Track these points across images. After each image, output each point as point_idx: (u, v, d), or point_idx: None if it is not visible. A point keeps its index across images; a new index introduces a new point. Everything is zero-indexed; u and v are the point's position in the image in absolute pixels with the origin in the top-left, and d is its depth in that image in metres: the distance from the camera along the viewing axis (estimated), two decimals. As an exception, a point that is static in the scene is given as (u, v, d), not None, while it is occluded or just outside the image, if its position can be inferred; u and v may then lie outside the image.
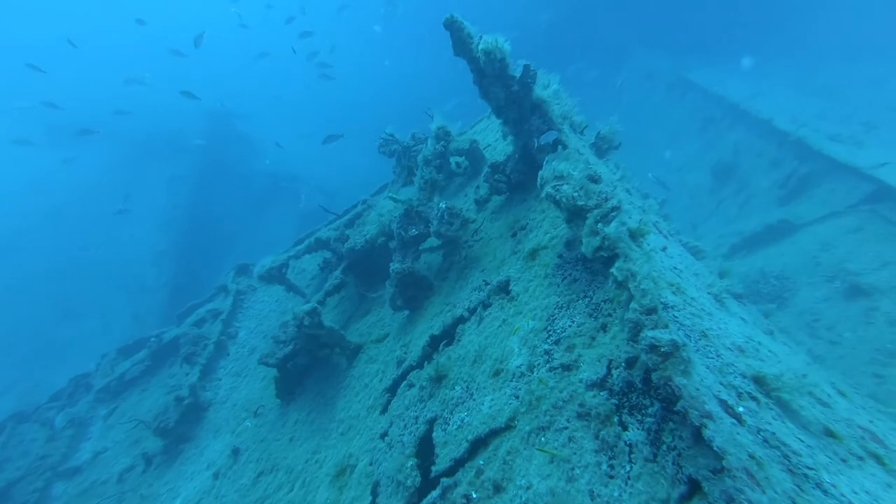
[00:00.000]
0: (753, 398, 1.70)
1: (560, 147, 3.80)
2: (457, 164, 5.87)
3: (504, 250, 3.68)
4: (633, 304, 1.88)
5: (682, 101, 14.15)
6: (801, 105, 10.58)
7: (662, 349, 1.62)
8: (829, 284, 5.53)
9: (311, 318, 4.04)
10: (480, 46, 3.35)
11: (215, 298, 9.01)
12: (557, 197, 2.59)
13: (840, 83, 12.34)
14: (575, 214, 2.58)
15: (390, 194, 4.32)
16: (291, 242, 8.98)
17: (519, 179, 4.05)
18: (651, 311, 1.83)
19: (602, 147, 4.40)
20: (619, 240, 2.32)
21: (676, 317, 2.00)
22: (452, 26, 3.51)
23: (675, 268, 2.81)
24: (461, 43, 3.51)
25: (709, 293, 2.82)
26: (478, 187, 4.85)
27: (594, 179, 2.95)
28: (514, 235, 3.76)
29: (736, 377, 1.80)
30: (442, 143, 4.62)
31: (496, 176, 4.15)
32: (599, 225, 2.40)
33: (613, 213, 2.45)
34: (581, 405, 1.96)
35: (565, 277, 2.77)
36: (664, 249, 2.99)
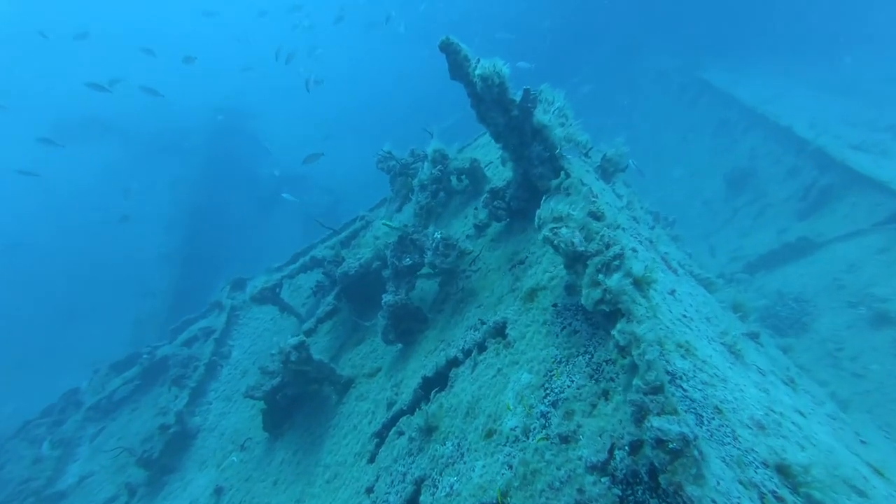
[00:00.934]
0: (779, 499, 1.52)
1: (563, 174, 3.64)
2: (458, 178, 5.72)
3: (502, 286, 3.52)
4: (636, 381, 1.70)
5: (695, 102, 13.86)
6: (822, 107, 10.25)
7: (671, 445, 1.45)
8: (853, 310, 5.28)
9: (298, 353, 3.91)
10: (477, 72, 3.20)
11: (209, 314, 8.94)
12: (556, 242, 2.43)
13: (861, 80, 11.97)
14: (574, 260, 2.42)
15: (384, 221, 4.18)
16: (289, 256, 8.90)
17: (519, 207, 3.89)
18: (657, 390, 1.65)
19: (608, 170, 4.23)
20: (621, 293, 2.15)
21: (686, 390, 1.82)
22: (448, 49, 3.37)
23: (685, 315, 2.63)
24: (457, 66, 3.37)
25: (722, 343, 2.63)
26: (476, 209, 4.71)
27: (596, 216, 2.78)
28: (512, 269, 3.59)
29: (757, 468, 1.62)
30: (439, 167, 4.48)
31: (495, 202, 3.99)
32: (601, 276, 2.23)
33: (616, 262, 2.28)
34: (580, 491, 1.79)
35: (564, 327, 2.60)
36: (672, 293, 2.81)
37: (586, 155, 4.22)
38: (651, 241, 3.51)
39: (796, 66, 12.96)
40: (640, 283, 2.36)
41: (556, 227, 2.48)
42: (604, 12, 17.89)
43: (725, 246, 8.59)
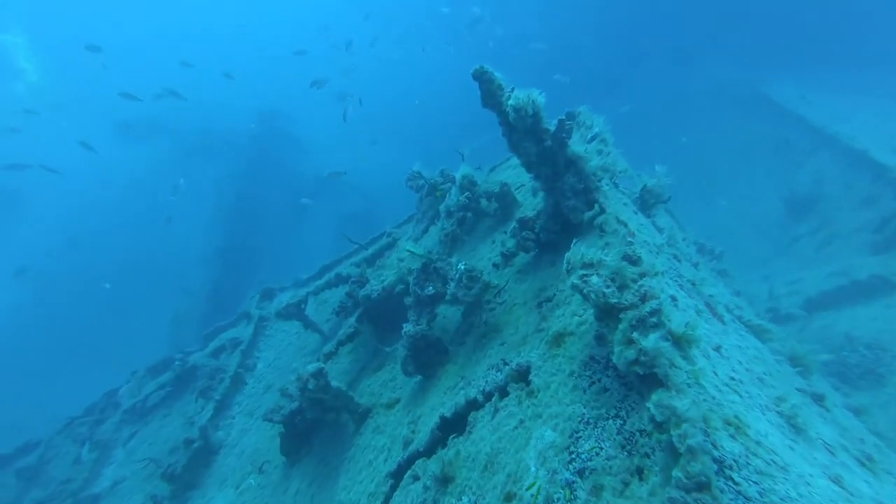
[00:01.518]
0: None
1: (597, 206, 3.46)
2: (488, 200, 5.63)
3: (527, 324, 3.36)
4: (676, 472, 1.52)
5: (752, 119, 13.00)
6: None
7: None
8: (941, 364, 4.63)
9: (316, 381, 3.91)
10: (510, 102, 3.12)
11: (238, 324, 9.28)
12: (585, 291, 2.27)
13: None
14: (606, 313, 2.24)
15: (408, 247, 4.15)
16: (317, 268, 9.11)
17: (549, 239, 3.73)
18: (702, 486, 1.46)
19: (648, 201, 3.99)
20: (658, 356, 1.96)
21: (738, 484, 1.60)
22: (482, 77, 3.32)
23: (733, 378, 2.37)
24: (490, 95, 3.30)
25: (779, 413, 2.34)
26: (505, 233, 4.58)
27: (632, 261, 2.59)
28: (539, 306, 3.43)
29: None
30: (466, 194, 4.41)
31: (524, 233, 3.86)
32: (635, 334, 2.05)
33: (653, 319, 2.09)
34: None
35: (593, 382, 2.42)
36: (718, 349, 2.55)
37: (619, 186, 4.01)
38: (693, 284, 3.24)
39: (876, 78, 11.61)
40: (681, 342, 2.15)
41: (586, 275, 2.32)
42: (653, 21, 17.13)
43: (782, 277, 7.89)
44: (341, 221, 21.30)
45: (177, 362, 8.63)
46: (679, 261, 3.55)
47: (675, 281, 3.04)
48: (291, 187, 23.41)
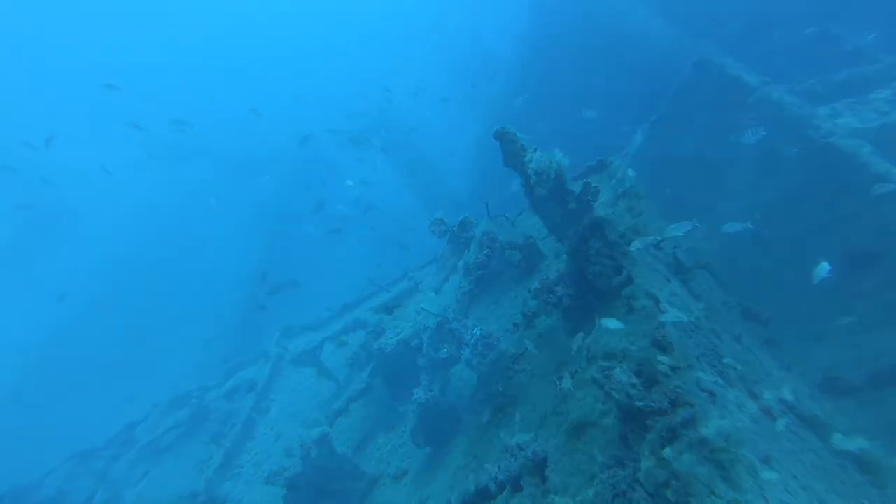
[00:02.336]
0: None
1: (625, 272, 3.26)
2: (511, 249, 5.50)
3: (546, 402, 3.13)
4: None
5: (805, 157, 12.27)
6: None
7: None
8: None
9: (319, 449, 3.77)
10: (532, 165, 3.07)
11: (257, 362, 9.37)
12: (607, 388, 2.07)
13: None
14: (631, 417, 2.02)
15: (423, 306, 4.06)
16: (339, 306, 9.17)
17: (571, 304, 3.53)
18: None
19: (684, 265, 3.74)
20: (693, 482, 1.71)
21: None
22: (503, 138, 3.30)
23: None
24: (512, 156, 3.27)
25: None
26: (529, 290, 4.40)
27: (662, 347, 2.37)
28: (560, 379, 3.20)
29: None
30: (486, 251, 4.31)
31: (546, 296, 3.68)
32: (667, 450, 1.82)
33: (687, 433, 1.85)
34: None
35: (617, 494, 2.15)
36: (767, 461, 2.23)
37: (657, 247, 3.79)
38: (736, 368, 2.93)
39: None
40: (720, 458, 1.89)
41: (608, 369, 2.12)
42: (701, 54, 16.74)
43: (840, 339, 7.13)
44: (374, 246, 21.66)
45: (193, 399, 8.73)
46: (718, 336, 3.25)
47: (713, 366, 2.75)
48: (324, 215, 24.08)
